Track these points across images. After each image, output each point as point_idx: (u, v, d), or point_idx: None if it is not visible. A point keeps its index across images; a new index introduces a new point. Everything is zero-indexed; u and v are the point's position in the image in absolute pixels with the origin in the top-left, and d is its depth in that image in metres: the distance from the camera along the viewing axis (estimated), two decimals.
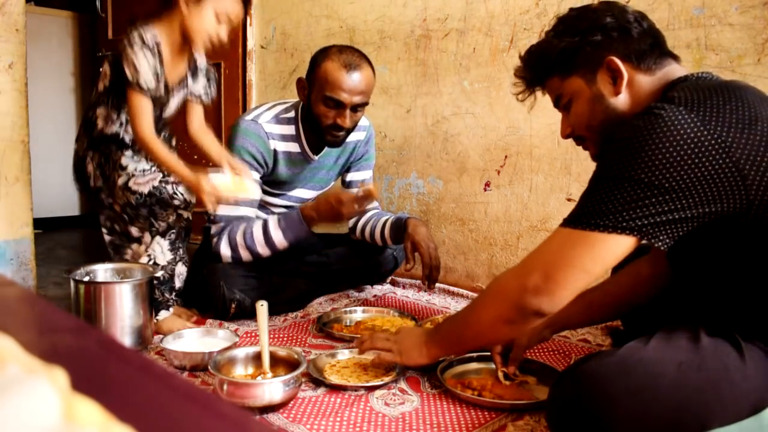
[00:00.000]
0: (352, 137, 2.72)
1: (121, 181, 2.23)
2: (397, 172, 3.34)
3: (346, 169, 2.85)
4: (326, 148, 2.65)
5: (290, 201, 2.72)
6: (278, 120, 2.55)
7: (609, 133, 1.47)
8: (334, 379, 1.85)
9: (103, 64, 2.31)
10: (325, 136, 2.46)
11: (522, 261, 1.43)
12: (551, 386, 1.39)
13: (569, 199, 2.71)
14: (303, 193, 2.75)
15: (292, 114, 2.58)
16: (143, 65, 2.14)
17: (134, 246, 2.35)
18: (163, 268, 2.33)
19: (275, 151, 2.53)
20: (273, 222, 2.45)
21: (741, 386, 1.22)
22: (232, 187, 2.23)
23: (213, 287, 2.43)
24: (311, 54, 3.63)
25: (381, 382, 1.81)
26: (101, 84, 2.31)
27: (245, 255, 2.45)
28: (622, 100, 1.45)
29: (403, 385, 1.87)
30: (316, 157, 2.65)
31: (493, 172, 2.97)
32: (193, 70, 2.40)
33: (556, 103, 1.59)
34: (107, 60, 2.30)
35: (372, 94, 2.50)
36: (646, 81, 1.44)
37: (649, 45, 1.44)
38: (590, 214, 1.28)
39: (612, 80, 1.45)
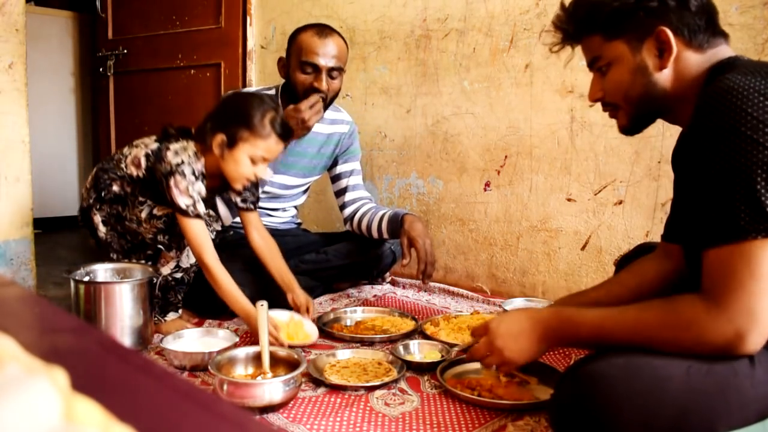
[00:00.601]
0: (336, 129, 2.79)
1: (144, 213, 2.21)
2: (397, 172, 3.35)
3: (334, 162, 2.87)
4: (308, 135, 2.66)
5: (273, 186, 2.74)
6: None
7: (645, 108, 1.44)
8: (334, 379, 1.85)
9: (137, 154, 2.24)
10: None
11: (708, 291, 1.22)
12: (555, 386, 1.38)
13: (569, 199, 2.72)
14: (286, 180, 2.76)
15: (272, 93, 2.66)
16: (196, 194, 2.11)
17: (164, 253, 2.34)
18: (185, 270, 2.33)
19: None
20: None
21: (749, 392, 1.20)
22: (289, 329, 2.21)
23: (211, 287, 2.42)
24: None
25: (381, 382, 1.81)
26: (133, 169, 2.23)
27: None
28: (665, 76, 1.39)
29: (403, 385, 1.87)
30: (293, 142, 2.65)
31: (493, 172, 2.97)
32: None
33: (591, 64, 1.50)
34: (145, 154, 2.22)
35: (345, 63, 2.62)
36: (695, 59, 1.37)
37: (705, 21, 1.36)
38: (750, 217, 1.15)
39: (659, 52, 1.38)
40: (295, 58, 2.53)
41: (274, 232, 2.86)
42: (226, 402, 0.49)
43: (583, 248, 2.70)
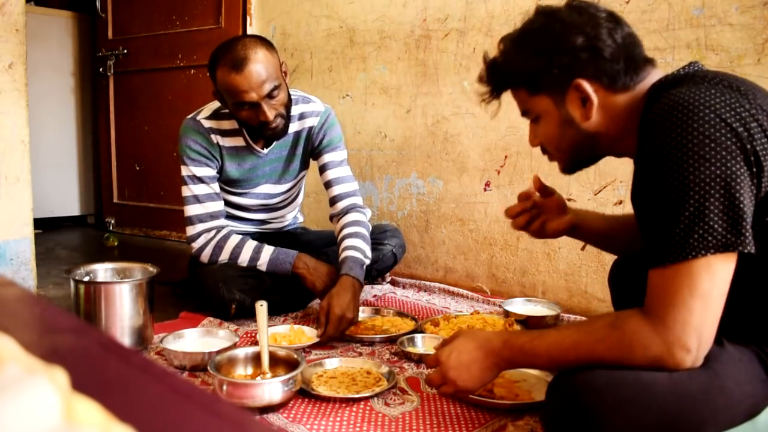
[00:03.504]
0: (305, 124, 2.66)
1: None
2: (397, 172, 3.35)
3: (316, 155, 2.73)
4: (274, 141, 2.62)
5: (258, 198, 2.72)
6: (218, 115, 2.53)
7: (579, 155, 1.46)
8: (322, 390, 1.80)
9: None
10: (264, 134, 2.43)
11: (651, 309, 1.21)
12: (547, 390, 1.38)
13: (569, 199, 2.71)
14: (270, 189, 2.73)
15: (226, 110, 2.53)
16: None
17: None
18: None
19: (219, 146, 2.53)
20: (264, 257, 2.47)
21: (734, 393, 1.20)
22: (291, 337, 2.24)
23: (212, 288, 2.43)
24: (311, 54, 3.66)
25: (371, 393, 1.77)
26: None
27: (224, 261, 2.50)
28: (594, 123, 1.38)
29: (403, 384, 1.87)
30: (264, 151, 2.61)
31: (493, 172, 2.97)
32: None
33: (523, 113, 1.51)
34: None
35: (278, 73, 2.37)
36: (622, 99, 1.36)
37: (623, 63, 1.34)
38: (699, 235, 1.15)
39: (582, 102, 1.37)
40: (228, 100, 2.36)
41: (275, 233, 2.86)
42: (225, 402, 0.49)
43: (583, 248, 2.70)
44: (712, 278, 1.15)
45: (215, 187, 2.54)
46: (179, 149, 2.52)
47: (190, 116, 2.56)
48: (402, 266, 3.03)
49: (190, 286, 2.74)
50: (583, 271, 2.71)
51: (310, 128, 2.68)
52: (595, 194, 2.65)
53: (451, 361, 1.52)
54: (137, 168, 4.65)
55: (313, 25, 3.66)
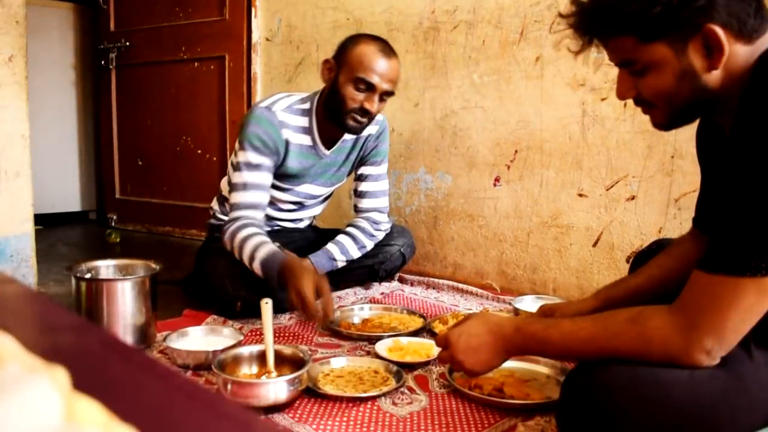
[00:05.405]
0: (365, 131, 2.69)
1: None
2: (405, 167, 3.34)
3: (359, 163, 2.80)
4: (338, 144, 2.64)
5: (299, 197, 2.71)
6: (292, 110, 2.54)
7: (690, 110, 1.32)
8: (329, 389, 1.80)
9: None
10: (346, 120, 2.44)
11: (684, 309, 1.21)
12: (561, 388, 1.38)
13: (580, 195, 2.71)
14: (312, 189, 2.73)
15: (307, 105, 2.57)
16: None
17: None
18: None
19: (287, 142, 2.52)
20: (259, 257, 2.33)
21: (756, 395, 1.20)
22: None
23: (217, 285, 2.43)
24: (317, 46, 3.65)
25: (378, 393, 1.77)
26: None
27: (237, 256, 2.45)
28: (714, 76, 1.24)
29: (411, 384, 1.87)
30: (328, 152, 2.64)
31: (503, 167, 2.96)
32: None
33: (621, 64, 1.33)
34: None
35: (395, 89, 2.49)
36: (744, 52, 1.22)
37: (753, 8, 1.20)
38: (759, 254, 1.10)
39: (707, 51, 1.21)
40: (349, 71, 2.41)
41: (285, 230, 2.86)
42: (230, 402, 0.49)
43: (594, 245, 2.70)
44: (759, 296, 1.13)
45: (267, 179, 2.50)
46: (243, 134, 2.47)
47: (263, 105, 2.52)
48: (410, 263, 3.03)
49: (196, 282, 2.74)
50: (594, 268, 2.71)
51: (368, 136, 2.75)
52: (607, 189, 2.64)
53: (460, 344, 1.53)
54: (140, 163, 4.66)
55: (319, 17, 3.66)
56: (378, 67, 2.37)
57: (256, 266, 2.33)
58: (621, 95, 1.36)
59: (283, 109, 2.51)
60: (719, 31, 1.18)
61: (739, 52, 1.21)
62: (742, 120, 1.17)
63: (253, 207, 2.46)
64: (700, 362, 1.18)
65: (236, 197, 2.45)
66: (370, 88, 2.39)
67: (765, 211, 1.09)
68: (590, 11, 1.29)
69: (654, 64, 1.26)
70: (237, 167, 2.46)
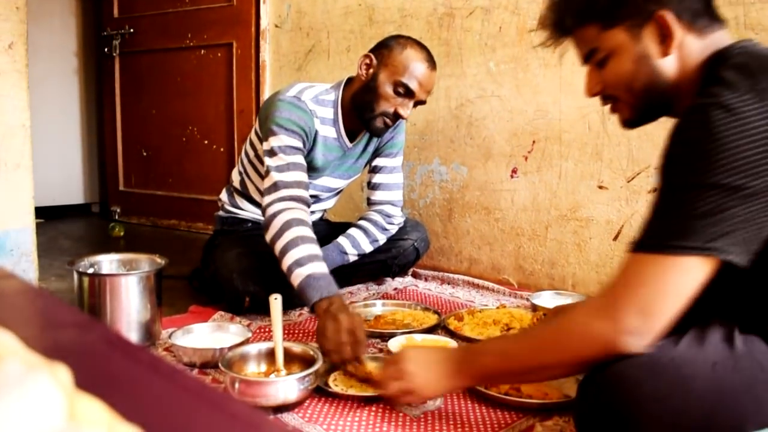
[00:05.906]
0: None
1: None
2: (419, 158, 3.34)
3: (374, 154, 2.81)
4: (359, 137, 2.66)
5: (315, 189, 2.69)
6: (319, 101, 2.53)
7: (650, 99, 1.43)
8: (340, 388, 1.81)
9: None
10: (375, 120, 2.45)
11: (601, 297, 1.31)
12: (579, 386, 1.38)
13: (601, 187, 2.70)
14: (330, 182, 2.73)
15: (332, 97, 2.56)
16: None
17: None
18: None
19: (316, 131, 2.52)
20: (302, 266, 2.10)
21: None
22: None
23: (225, 279, 2.43)
24: (328, 33, 3.65)
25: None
26: None
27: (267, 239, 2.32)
28: (669, 64, 1.37)
29: None
30: (350, 145, 2.65)
31: (521, 158, 2.96)
32: None
33: (587, 58, 1.47)
34: None
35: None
36: (696, 46, 1.35)
37: (704, 3, 1.36)
38: (677, 233, 1.20)
39: (661, 38, 1.36)
40: (392, 72, 2.41)
41: None
42: (238, 401, 0.49)
43: (615, 238, 2.69)
44: (682, 276, 1.20)
45: (304, 163, 2.42)
46: (272, 120, 2.38)
47: (290, 93, 2.46)
48: (424, 258, 3.02)
49: (202, 277, 2.75)
50: (615, 263, 2.70)
51: None
52: (628, 181, 2.63)
53: (411, 356, 1.57)
54: (144, 154, 4.67)
55: (330, 3, 3.65)
56: (422, 76, 2.40)
57: (294, 269, 2.12)
58: (589, 90, 1.50)
59: (311, 99, 2.49)
60: (670, 17, 1.33)
61: (692, 45, 1.36)
62: (683, 120, 1.28)
63: (300, 185, 2.34)
64: (627, 345, 1.22)
65: (278, 176, 2.31)
66: (409, 94, 2.40)
67: (679, 193, 1.23)
68: (564, 5, 1.47)
69: (614, 50, 1.40)
70: (271, 152, 2.35)
